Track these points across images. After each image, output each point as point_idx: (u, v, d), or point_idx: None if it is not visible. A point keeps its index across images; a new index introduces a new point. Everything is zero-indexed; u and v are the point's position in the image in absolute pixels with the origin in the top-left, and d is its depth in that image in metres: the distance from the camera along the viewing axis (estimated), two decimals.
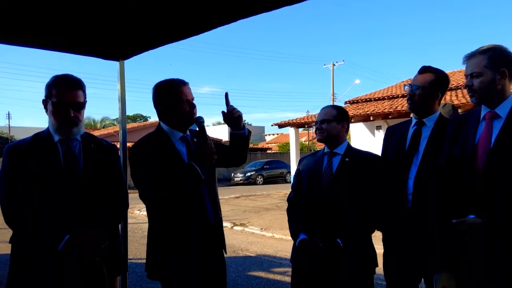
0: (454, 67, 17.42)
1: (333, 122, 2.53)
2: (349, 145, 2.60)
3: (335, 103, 29.39)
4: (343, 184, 2.44)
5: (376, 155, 2.58)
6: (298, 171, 2.72)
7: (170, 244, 2.21)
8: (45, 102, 2.18)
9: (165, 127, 2.32)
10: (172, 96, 2.26)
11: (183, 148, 2.29)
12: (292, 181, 2.79)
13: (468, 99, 2.24)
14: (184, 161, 2.23)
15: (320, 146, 2.84)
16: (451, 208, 2.14)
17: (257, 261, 6.32)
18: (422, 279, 2.47)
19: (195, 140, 2.32)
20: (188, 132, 2.36)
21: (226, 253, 2.45)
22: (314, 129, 2.66)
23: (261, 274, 5.48)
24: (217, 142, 2.46)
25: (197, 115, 2.30)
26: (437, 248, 2.29)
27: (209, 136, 2.27)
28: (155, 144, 2.25)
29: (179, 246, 2.20)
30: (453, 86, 13.24)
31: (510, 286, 1.97)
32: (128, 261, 3.17)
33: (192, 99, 2.31)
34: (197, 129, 2.28)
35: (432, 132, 2.44)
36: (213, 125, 52.28)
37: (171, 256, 2.20)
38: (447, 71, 2.57)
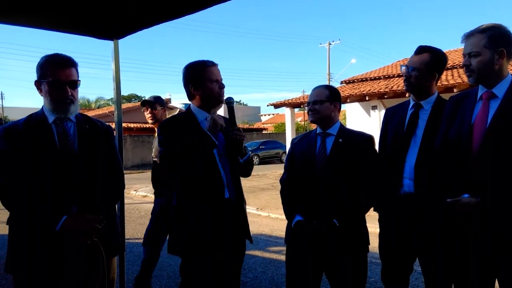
0: (451, 46, 17.38)
1: (326, 103, 2.50)
2: (341, 126, 2.57)
3: (331, 83, 29.32)
4: (338, 165, 2.42)
5: (369, 135, 2.54)
6: (291, 152, 2.69)
7: (190, 219, 2.28)
8: (38, 83, 2.15)
9: (193, 108, 2.42)
10: (201, 75, 2.34)
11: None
12: (285, 163, 2.77)
13: (464, 78, 2.23)
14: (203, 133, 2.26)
15: (315, 126, 2.84)
16: (446, 187, 2.14)
17: (253, 240, 6.36)
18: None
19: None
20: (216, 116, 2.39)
21: (251, 241, 2.58)
22: (306, 110, 2.62)
23: (257, 253, 5.53)
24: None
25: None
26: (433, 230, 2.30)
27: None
28: (181, 124, 2.37)
29: (198, 221, 2.27)
30: (449, 65, 13.20)
31: (504, 264, 2.00)
32: (125, 241, 3.19)
33: (221, 80, 2.38)
34: (227, 109, 2.34)
35: (430, 117, 2.42)
36: None
37: (191, 232, 2.27)
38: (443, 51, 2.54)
